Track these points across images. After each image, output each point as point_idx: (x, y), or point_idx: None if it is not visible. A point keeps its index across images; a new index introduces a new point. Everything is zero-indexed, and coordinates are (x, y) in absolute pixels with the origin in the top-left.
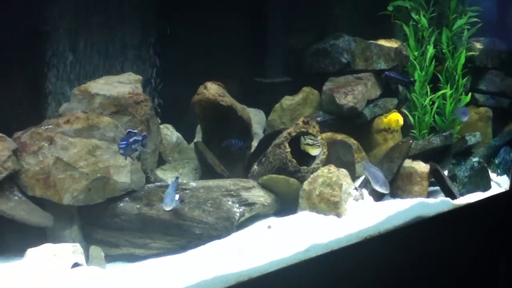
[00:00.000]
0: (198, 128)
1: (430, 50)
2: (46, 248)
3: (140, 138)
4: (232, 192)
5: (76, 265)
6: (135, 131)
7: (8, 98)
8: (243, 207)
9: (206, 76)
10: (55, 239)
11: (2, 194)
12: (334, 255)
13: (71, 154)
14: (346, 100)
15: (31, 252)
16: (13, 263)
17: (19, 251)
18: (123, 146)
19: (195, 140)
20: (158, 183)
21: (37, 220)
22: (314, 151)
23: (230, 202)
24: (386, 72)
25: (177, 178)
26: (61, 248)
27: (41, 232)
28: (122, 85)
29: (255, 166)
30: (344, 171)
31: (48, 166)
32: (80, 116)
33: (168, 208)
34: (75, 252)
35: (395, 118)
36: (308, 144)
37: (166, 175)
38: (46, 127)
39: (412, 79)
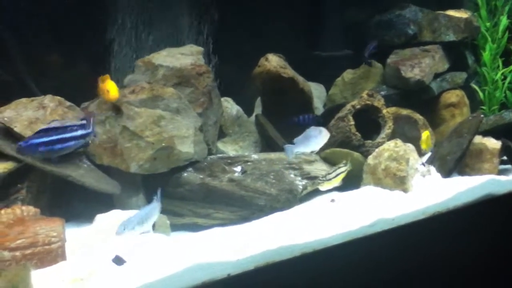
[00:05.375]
0: (257, 101)
1: (504, 21)
2: (114, 214)
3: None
4: (294, 165)
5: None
6: (58, 125)
7: (75, 68)
8: (305, 180)
9: (265, 49)
10: (122, 207)
11: (72, 162)
12: (401, 231)
13: (137, 123)
14: (413, 73)
15: (100, 217)
16: (83, 227)
17: (88, 217)
18: (22, 145)
19: (254, 114)
20: (220, 155)
21: (105, 187)
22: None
23: (292, 175)
24: None
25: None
26: (128, 214)
27: (108, 199)
28: (184, 56)
29: None
30: (411, 146)
31: (115, 135)
32: (145, 86)
33: (119, 236)
34: None
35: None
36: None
37: (227, 148)
38: None
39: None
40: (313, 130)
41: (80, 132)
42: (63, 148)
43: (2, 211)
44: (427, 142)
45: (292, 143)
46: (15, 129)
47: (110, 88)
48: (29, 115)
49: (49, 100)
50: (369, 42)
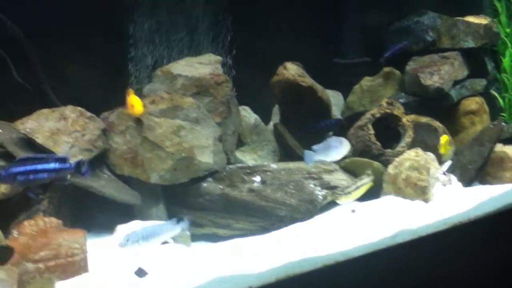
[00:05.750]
0: (274, 110)
1: None
2: (135, 225)
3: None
4: (313, 175)
5: (164, 242)
6: (40, 156)
7: (94, 78)
8: (325, 190)
9: (282, 57)
10: (142, 217)
11: (93, 173)
12: (423, 241)
13: (157, 134)
14: (432, 80)
15: (120, 228)
16: (104, 238)
17: (109, 228)
18: (2, 174)
19: (271, 122)
20: (239, 164)
21: (126, 198)
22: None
23: (312, 185)
24: None
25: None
26: (148, 225)
27: (129, 210)
28: (203, 66)
29: None
30: (431, 155)
31: (135, 146)
32: (164, 96)
33: (121, 248)
34: None
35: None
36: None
37: (245, 157)
38: None
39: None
40: (334, 141)
41: (52, 165)
42: (36, 179)
43: (26, 223)
44: (445, 146)
45: (312, 150)
46: (37, 140)
47: (134, 103)
48: (51, 126)
49: (70, 111)
50: (393, 44)
